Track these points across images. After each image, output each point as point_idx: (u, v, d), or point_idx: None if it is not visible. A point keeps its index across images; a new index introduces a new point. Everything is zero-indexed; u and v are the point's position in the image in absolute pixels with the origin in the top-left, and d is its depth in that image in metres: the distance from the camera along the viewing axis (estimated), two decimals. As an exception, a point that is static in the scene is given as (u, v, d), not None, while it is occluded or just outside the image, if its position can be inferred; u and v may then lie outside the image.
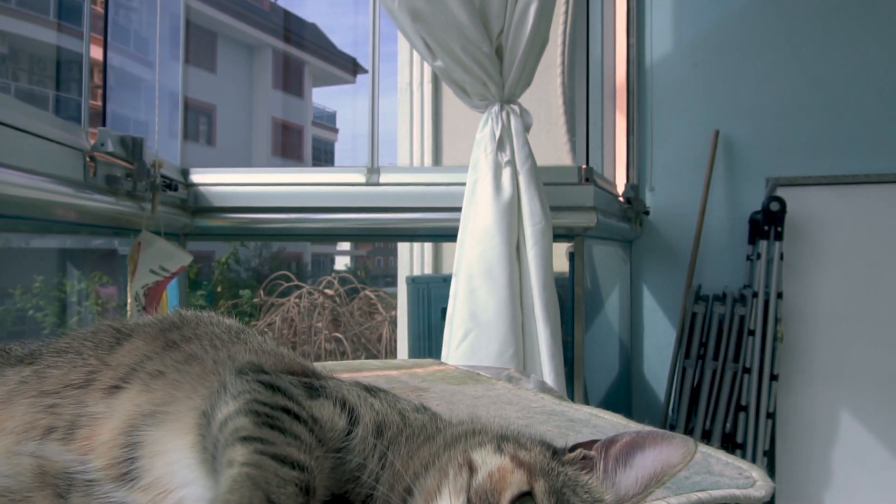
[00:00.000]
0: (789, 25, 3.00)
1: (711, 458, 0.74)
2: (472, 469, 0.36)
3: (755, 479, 0.68)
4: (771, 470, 2.65)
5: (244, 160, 14.57)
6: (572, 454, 0.39)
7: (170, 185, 1.98)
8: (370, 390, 0.46)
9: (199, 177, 2.22)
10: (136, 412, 0.46)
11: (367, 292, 5.53)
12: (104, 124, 2.20)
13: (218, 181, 2.24)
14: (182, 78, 2.64)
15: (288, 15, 14.65)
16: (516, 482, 0.34)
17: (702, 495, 0.63)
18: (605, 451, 0.38)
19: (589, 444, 0.39)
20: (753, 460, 2.57)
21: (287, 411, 0.39)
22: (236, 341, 0.55)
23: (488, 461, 0.36)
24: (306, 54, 14.93)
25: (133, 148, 1.75)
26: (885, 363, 2.59)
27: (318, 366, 0.56)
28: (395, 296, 4.07)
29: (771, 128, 3.01)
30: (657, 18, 3.14)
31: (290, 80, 14.81)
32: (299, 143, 15.81)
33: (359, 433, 0.40)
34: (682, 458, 0.37)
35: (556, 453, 0.39)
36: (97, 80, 2.57)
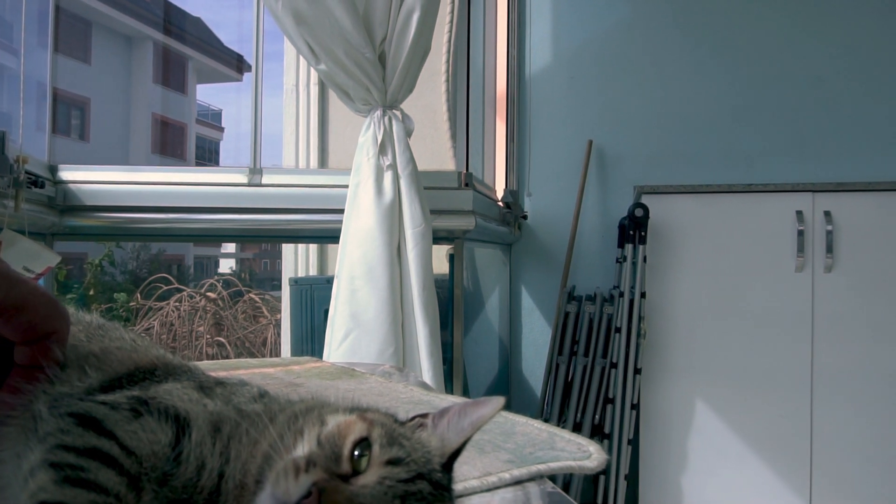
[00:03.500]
0: (656, 45, 3.24)
1: (557, 437, 0.82)
2: (323, 424, 0.41)
3: (591, 452, 0.76)
4: (635, 457, 2.85)
5: (121, 157, 13.82)
6: (412, 422, 0.45)
7: (35, 181, 1.89)
8: (205, 389, 0.46)
9: (69, 174, 2.13)
10: None
11: (252, 295, 5.42)
12: (-40, 116, 2.06)
13: (90, 179, 2.15)
14: (50, 68, 2.49)
15: (170, 7, 14.05)
16: (358, 429, 0.41)
17: (541, 467, 0.70)
18: (437, 419, 0.45)
19: (426, 415, 0.45)
20: (619, 449, 2.76)
21: (95, 454, 0.37)
22: (90, 340, 0.51)
23: (339, 418, 0.42)
24: (190, 49, 14.38)
25: (-6, 142, 1.67)
26: (737, 357, 2.84)
27: (201, 366, 0.55)
28: (280, 299, 4.02)
29: (638, 139, 3.24)
30: (536, 32, 3.31)
31: (172, 75, 14.21)
32: (182, 142, 15.18)
33: (192, 438, 0.40)
34: (493, 410, 0.45)
35: (397, 420, 0.45)
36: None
